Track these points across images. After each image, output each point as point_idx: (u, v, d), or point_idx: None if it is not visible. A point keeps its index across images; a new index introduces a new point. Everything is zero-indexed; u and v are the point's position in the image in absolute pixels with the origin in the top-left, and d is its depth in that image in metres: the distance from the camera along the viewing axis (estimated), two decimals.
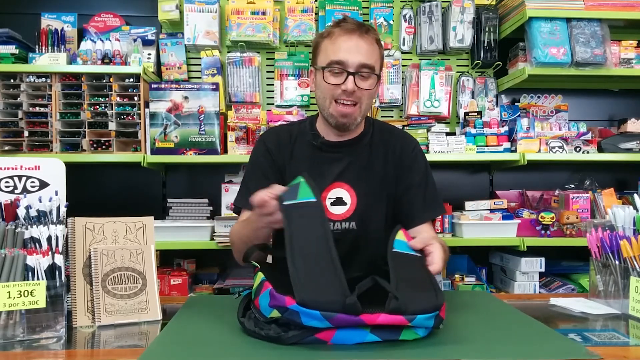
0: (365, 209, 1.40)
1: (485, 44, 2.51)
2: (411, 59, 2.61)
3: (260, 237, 1.28)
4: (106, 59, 2.22)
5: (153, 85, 2.27)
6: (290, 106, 2.48)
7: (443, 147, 2.33)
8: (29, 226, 1.06)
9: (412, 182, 1.44)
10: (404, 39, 2.56)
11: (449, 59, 2.62)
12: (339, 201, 1.40)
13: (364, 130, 1.46)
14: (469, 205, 2.38)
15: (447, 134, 2.39)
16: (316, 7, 2.53)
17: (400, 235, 1.13)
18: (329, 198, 1.40)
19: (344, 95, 1.32)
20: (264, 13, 2.42)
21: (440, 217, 2.29)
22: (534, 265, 2.30)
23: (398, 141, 1.47)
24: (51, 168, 1.18)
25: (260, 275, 1.02)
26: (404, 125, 2.36)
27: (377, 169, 1.43)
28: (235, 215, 1.54)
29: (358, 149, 1.44)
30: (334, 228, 1.39)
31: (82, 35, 2.47)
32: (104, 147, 2.22)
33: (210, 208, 2.37)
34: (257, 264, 1.08)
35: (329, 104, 1.35)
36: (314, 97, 1.71)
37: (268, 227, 1.22)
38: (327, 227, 1.05)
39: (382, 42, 2.48)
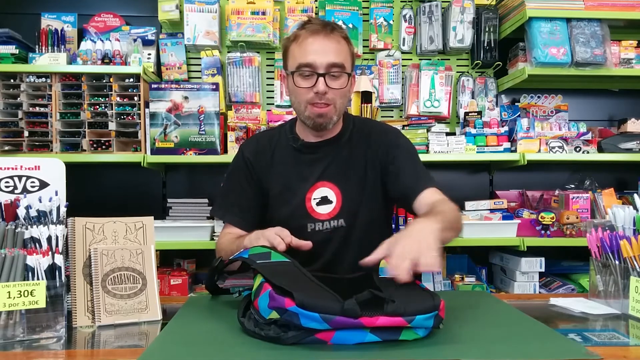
0: (352, 205, 1.40)
1: (485, 44, 2.51)
2: (411, 59, 2.61)
3: None
4: (106, 59, 2.22)
5: (153, 85, 2.27)
6: (290, 106, 2.48)
7: (443, 147, 2.33)
8: (29, 226, 1.05)
9: (400, 165, 1.41)
10: (404, 39, 2.56)
11: (449, 59, 2.62)
12: (324, 200, 1.40)
13: (343, 128, 1.46)
14: (469, 205, 2.38)
15: (447, 134, 2.39)
16: (316, 7, 2.53)
17: (383, 264, 1.15)
18: (314, 198, 1.40)
19: (317, 97, 1.31)
20: (264, 13, 2.42)
21: None
22: (534, 265, 2.30)
23: (379, 135, 1.46)
24: (51, 168, 1.18)
25: (260, 277, 1.02)
26: (404, 125, 2.36)
27: (359, 164, 1.43)
28: None
29: (338, 147, 1.43)
30: (322, 228, 1.39)
31: (82, 35, 2.47)
32: (104, 147, 2.22)
33: (210, 208, 2.37)
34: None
35: (304, 108, 1.35)
36: None
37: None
38: (305, 272, 1.05)
39: (378, 42, 2.51)
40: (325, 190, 1.40)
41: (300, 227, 1.38)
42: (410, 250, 0.99)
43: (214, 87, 2.30)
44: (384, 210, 1.49)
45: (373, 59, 2.59)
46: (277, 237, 1.19)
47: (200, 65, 2.49)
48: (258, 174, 1.45)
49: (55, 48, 2.30)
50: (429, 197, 1.36)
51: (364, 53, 2.58)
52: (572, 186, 2.53)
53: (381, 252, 1.04)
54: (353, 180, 1.41)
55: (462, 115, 2.49)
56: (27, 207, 1.08)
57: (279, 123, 2.25)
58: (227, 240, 1.43)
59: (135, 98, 2.24)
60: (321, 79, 1.30)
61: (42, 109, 2.22)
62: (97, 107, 2.22)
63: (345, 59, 1.34)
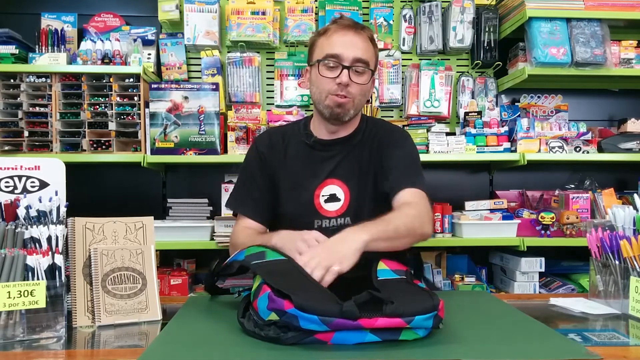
0: (359, 204, 1.41)
1: (485, 44, 2.51)
2: (411, 59, 2.61)
3: None
4: (106, 59, 2.22)
5: (153, 85, 2.27)
6: (290, 106, 2.48)
7: (443, 147, 2.33)
8: (29, 226, 1.06)
9: (393, 164, 1.42)
10: (404, 39, 2.56)
11: (449, 59, 2.62)
12: (332, 198, 1.42)
13: (357, 128, 1.48)
14: (469, 205, 2.38)
15: (447, 134, 2.39)
16: (316, 7, 2.53)
17: (382, 265, 1.16)
18: (322, 195, 1.42)
19: (339, 89, 1.34)
20: (264, 13, 2.42)
21: (440, 216, 2.28)
22: (534, 265, 2.30)
23: (386, 131, 1.50)
24: (51, 168, 1.18)
25: (259, 278, 1.02)
26: (404, 125, 2.36)
27: (368, 164, 1.45)
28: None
29: (350, 146, 1.46)
30: (329, 225, 1.40)
31: (82, 35, 2.47)
32: (104, 147, 2.22)
33: (210, 208, 2.37)
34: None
35: (324, 97, 1.37)
36: None
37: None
38: (302, 270, 1.06)
39: (378, 42, 2.50)
40: (334, 188, 1.42)
41: (308, 223, 1.40)
42: (322, 258, 1.07)
43: (214, 87, 2.30)
44: (390, 211, 1.49)
45: None
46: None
47: (200, 65, 2.48)
48: (271, 168, 1.47)
49: (55, 48, 2.30)
50: (403, 197, 1.36)
51: None
52: (572, 186, 2.53)
53: (301, 261, 1.09)
54: (361, 180, 1.43)
55: (462, 115, 2.49)
56: (27, 207, 1.08)
57: (279, 123, 2.26)
58: (247, 235, 1.41)
59: (135, 98, 2.24)
60: (345, 71, 1.34)
61: (42, 109, 2.22)
62: (97, 107, 2.22)
63: (370, 58, 1.38)
